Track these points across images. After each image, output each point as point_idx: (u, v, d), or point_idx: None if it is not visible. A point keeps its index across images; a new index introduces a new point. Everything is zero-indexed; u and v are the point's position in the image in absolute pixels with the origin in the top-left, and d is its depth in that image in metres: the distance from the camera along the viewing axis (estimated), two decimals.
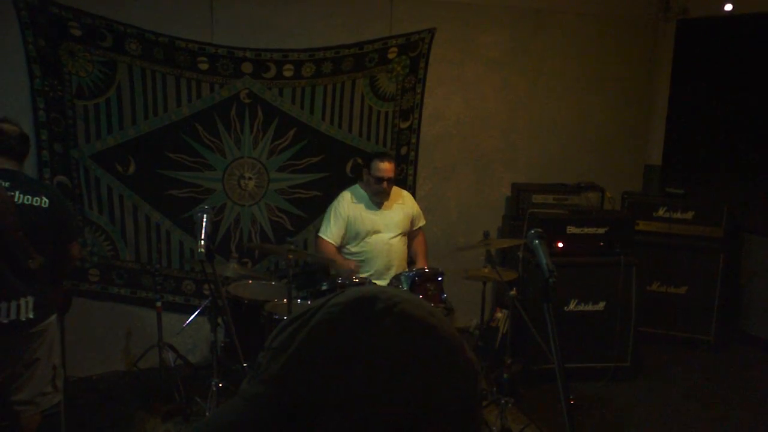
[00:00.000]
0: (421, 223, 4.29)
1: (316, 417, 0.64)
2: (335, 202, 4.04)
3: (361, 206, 4.01)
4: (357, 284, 3.48)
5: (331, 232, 3.98)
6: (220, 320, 3.55)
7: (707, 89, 5.31)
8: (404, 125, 4.78)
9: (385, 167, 3.91)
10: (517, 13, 5.00)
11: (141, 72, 4.06)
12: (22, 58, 3.81)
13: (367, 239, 3.99)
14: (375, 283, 3.74)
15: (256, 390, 0.67)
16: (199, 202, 4.25)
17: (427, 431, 0.65)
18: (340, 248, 4.04)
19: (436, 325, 0.69)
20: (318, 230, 4.15)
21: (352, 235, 4.00)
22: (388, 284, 3.78)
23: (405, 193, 4.28)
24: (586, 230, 4.47)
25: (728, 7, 4.90)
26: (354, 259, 4.01)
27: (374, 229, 4.00)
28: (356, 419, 0.63)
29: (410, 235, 4.22)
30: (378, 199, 4.00)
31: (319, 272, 4.54)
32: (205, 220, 2.74)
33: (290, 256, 3.33)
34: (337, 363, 0.65)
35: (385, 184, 3.92)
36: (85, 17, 3.86)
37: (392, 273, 3.95)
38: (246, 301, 3.68)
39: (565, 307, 4.36)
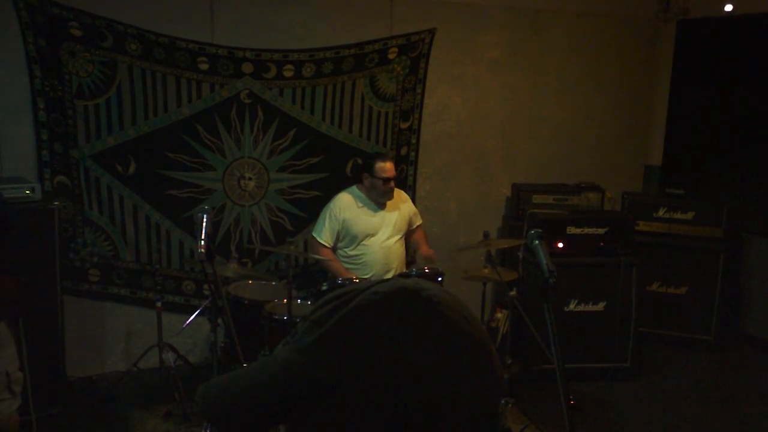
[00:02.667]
0: (419, 221, 4.29)
1: (337, 396, 0.65)
2: (331, 204, 4.02)
3: (359, 209, 4.00)
4: (357, 284, 3.47)
5: (325, 234, 3.97)
6: (220, 320, 3.55)
7: (707, 89, 5.31)
8: (404, 125, 4.78)
9: (389, 167, 3.92)
10: (517, 13, 5.00)
11: (141, 72, 4.06)
12: (22, 58, 3.81)
13: (365, 242, 3.98)
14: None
15: (289, 356, 0.69)
16: (199, 202, 4.25)
17: (432, 429, 0.65)
18: (334, 249, 4.03)
19: (468, 331, 0.70)
20: (312, 229, 4.14)
21: (348, 237, 3.99)
22: None
23: (402, 192, 4.27)
24: (586, 230, 4.47)
25: (728, 7, 4.90)
26: (352, 261, 4.00)
27: (372, 231, 3.99)
28: (374, 406, 0.64)
29: (408, 232, 4.22)
30: (384, 199, 3.99)
31: (319, 272, 4.54)
32: (205, 220, 2.74)
33: (293, 251, 3.32)
34: (366, 349, 0.66)
35: (391, 183, 3.94)
36: (85, 17, 3.85)
37: (391, 275, 3.94)
38: (246, 301, 3.68)
39: (565, 307, 4.36)
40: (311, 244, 4.11)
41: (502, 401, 3.56)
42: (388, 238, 4.02)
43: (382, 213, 4.03)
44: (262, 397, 0.68)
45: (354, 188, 4.08)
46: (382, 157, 3.98)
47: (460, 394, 0.67)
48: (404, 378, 0.65)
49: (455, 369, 0.67)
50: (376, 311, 0.68)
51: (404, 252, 4.19)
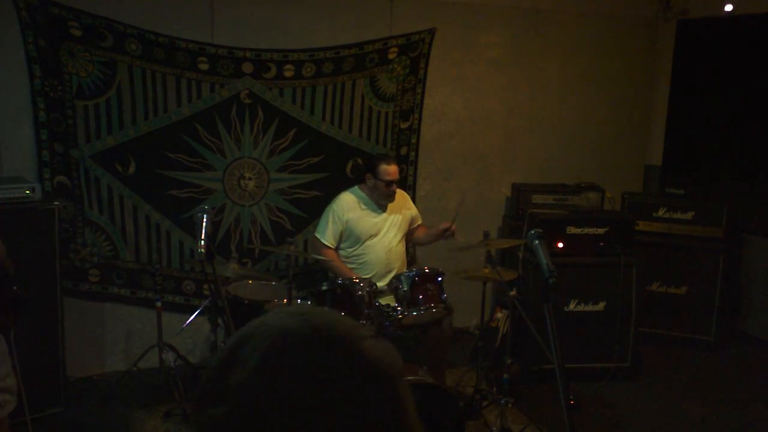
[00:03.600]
0: (419, 221, 4.29)
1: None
2: (334, 204, 4.02)
3: (361, 209, 3.99)
4: (357, 284, 3.47)
5: (328, 235, 3.97)
6: (220, 320, 3.55)
7: (707, 89, 5.31)
8: (404, 125, 4.78)
9: (393, 170, 3.90)
10: (517, 13, 5.00)
11: (141, 72, 4.06)
12: (22, 58, 3.81)
13: (367, 242, 3.98)
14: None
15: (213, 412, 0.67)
16: (199, 202, 4.25)
17: None
18: (336, 249, 4.03)
19: (317, 343, 0.69)
20: (315, 230, 4.14)
21: (351, 238, 3.98)
22: (388, 284, 3.78)
23: (402, 193, 4.27)
24: (586, 230, 4.47)
25: (728, 7, 4.90)
26: (354, 261, 4.00)
27: (374, 232, 3.98)
28: None
29: (409, 232, 4.22)
30: (387, 201, 3.99)
31: (319, 272, 4.54)
32: (205, 220, 2.74)
33: (293, 251, 3.32)
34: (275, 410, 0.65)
35: (394, 186, 3.93)
36: (85, 17, 3.86)
37: (392, 275, 3.94)
38: (246, 301, 3.68)
39: (565, 307, 4.36)
40: (314, 244, 4.11)
41: (501, 400, 3.56)
42: (390, 239, 4.02)
43: (384, 214, 4.03)
44: None
45: (356, 188, 4.07)
46: (387, 159, 3.96)
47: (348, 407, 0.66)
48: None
49: (333, 389, 0.66)
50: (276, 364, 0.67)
51: (405, 252, 4.20)
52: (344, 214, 3.95)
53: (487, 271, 3.78)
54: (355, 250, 4.00)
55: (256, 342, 0.68)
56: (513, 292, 3.73)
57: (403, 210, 4.13)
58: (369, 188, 3.98)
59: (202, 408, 0.68)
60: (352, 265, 3.99)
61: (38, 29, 3.80)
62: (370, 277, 3.85)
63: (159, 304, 3.93)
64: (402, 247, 4.14)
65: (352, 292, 3.43)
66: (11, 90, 3.85)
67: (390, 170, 3.89)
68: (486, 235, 3.74)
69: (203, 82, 4.18)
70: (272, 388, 0.65)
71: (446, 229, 3.96)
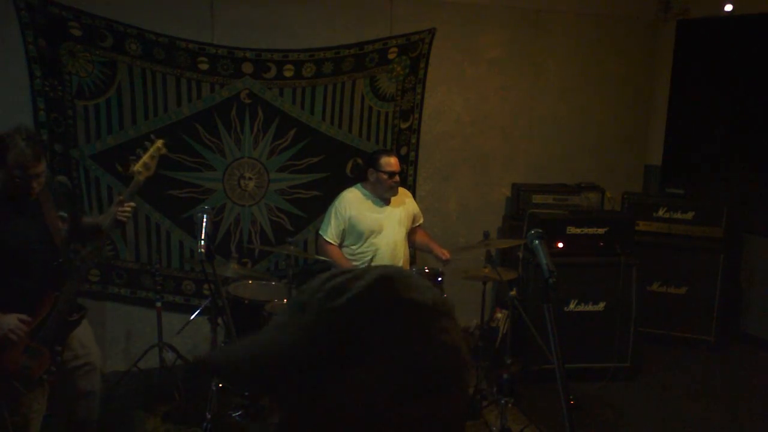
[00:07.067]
0: (421, 221, 4.30)
1: (349, 373, 0.65)
2: (336, 202, 4.04)
3: (364, 206, 4.01)
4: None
5: (331, 232, 3.98)
6: (220, 320, 3.54)
7: (707, 89, 5.31)
8: (404, 125, 4.78)
9: (394, 161, 3.95)
10: (517, 13, 5.00)
11: (141, 72, 4.06)
12: (22, 58, 3.81)
13: (372, 239, 3.99)
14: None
15: (309, 320, 0.68)
16: (199, 202, 4.25)
17: (415, 403, 0.66)
18: (340, 247, 4.04)
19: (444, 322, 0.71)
20: (318, 228, 4.15)
21: (355, 235, 3.99)
22: None
23: (405, 191, 4.29)
24: (586, 230, 4.46)
25: (728, 7, 4.90)
26: (359, 258, 4.00)
27: (377, 228, 3.99)
28: (385, 386, 0.65)
29: (410, 231, 4.22)
30: (390, 194, 4.01)
31: (319, 272, 4.53)
32: (205, 220, 2.74)
33: (293, 251, 3.32)
34: (384, 319, 0.67)
35: (397, 177, 3.96)
36: (85, 17, 3.86)
37: None
38: (246, 301, 3.68)
39: (565, 307, 4.36)
40: (318, 242, 4.12)
41: (501, 400, 3.57)
42: (393, 235, 4.02)
43: (387, 209, 4.03)
44: (285, 354, 0.67)
45: (358, 185, 4.09)
46: (387, 152, 4.02)
47: (431, 368, 0.68)
48: (408, 350, 0.66)
49: (426, 346, 0.68)
50: (395, 285, 0.69)
51: (408, 249, 4.20)
52: (346, 211, 3.97)
53: (487, 271, 3.78)
54: (359, 248, 4.00)
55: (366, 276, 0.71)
56: (513, 292, 3.73)
57: (406, 205, 4.14)
58: (371, 183, 4.00)
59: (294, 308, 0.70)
60: (358, 263, 3.99)
61: (38, 29, 3.80)
62: None
63: (159, 304, 3.93)
64: (406, 244, 4.14)
65: None
66: (11, 90, 3.85)
67: (391, 161, 3.92)
68: (486, 235, 3.74)
69: (203, 82, 4.18)
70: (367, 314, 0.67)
71: (446, 260, 4.01)
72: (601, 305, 4.40)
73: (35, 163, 2.63)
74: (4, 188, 2.67)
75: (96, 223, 2.98)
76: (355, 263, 3.98)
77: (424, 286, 0.72)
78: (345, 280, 0.70)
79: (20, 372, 2.66)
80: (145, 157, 2.95)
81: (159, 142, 3.04)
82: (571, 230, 4.45)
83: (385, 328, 0.66)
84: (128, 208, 2.82)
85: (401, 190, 4.19)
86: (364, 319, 0.67)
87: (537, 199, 4.93)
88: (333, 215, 4.00)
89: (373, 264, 3.97)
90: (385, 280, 0.70)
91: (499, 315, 4.73)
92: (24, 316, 2.65)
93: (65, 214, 2.89)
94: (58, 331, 2.75)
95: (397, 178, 3.97)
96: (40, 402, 2.79)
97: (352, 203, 3.99)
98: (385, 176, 3.91)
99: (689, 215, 4.97)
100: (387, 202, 4.03)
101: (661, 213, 5.03)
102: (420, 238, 4.29)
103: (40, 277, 2.73)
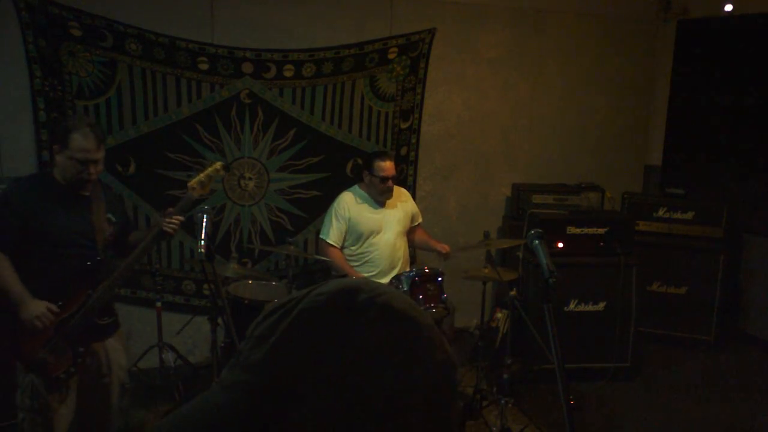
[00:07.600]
0: (420, 220, 4.30)
1: (295, 403, 0.64)
2: (335, 204, 4.03)
3: (362, 207, 4.01)
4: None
5: (333, 234, 3.98)
6: (220, 320, 3.54)
7: (707, 89, 5.32)
8: (404, 125, 4.78)
9: (388, 166, 3.92)
10: (517, 13, 5.01)
11: (141, 72, 4.06)
12: (22, 58, 3.81)
13: (371, 240, 3.99)
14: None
15: (236, 377, 0.67)
16: (199, 202, 4.25)
17: (400, 419, 0.65)
18: (341, 249, 4.03)
19: (416, 317, 0.70)
20: (319, 231, 4.15)
21: (354, 236, 3.99)
22: (389, 284, 3.78)
23: (403, 190, 4.28)
24: (586, 230, 4.46)
25: (728, 7, 4.91)
26: (359, 259, 4.00)
27: (377, 229, 3.99)
28: (334, 406, 0.64)
29: (409, 231, 4.22)
30: (383, 198, 4.01)
31: (319, 272, 4.54)
32: (205, 220, 2.75)
33: (293, 251, 3.32)
34: (318, 351, 0.65)
35: (390, 182, 3.94)
36: (85, 17, 3.86)
37: (396, 272, 3.95)
38: (246, 301, 3.68)
39: (565, 307, 4.36)
40: (319, 246, 4.11)
41: (501, 400, 3.57)
42: (392, 235, 4.02)
43: (384, 210, 4.03)
44: (220, 429, 0.65)
45: (356, 187, 4.09)
46: (383, 155, 3.98)
47: (416, 381, 0.66)
48: (360, 372, 0.64)
49: (406, 359, 0.67)
50: (322, 313, 0.68)
51: (407, 249, 4.20)
52: (346, 212, 3.97)
53: (487, 271, 3.78)
54: (359, 248, 4.00)
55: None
56: (513, 292, 3.73)
57: (403, 206, 4.14)
58: (367, 185, 4.01)
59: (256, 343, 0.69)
60: (357, 263, 4.00)
61: (38, 29, 3.80)
62: (374, 275, 3.86)
63: (159, 304, 3.93)
64: (405, 244, 4.15)
65: None
66: (11, 90, 3.85)
67: (384, 166, 3.90)
68: (486, 235, 3.74)
69: (203, 82, 4.18)
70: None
71: (446, 254, 4.02)
72: (601, 305, 4.40)
73: (96, 148, 2.68)
74: (63, 171, 2.70)
75: (138, 241, 2.94)
76: (355, 264, 3.98)
77: (358, 305, 0.68)
78: (272, 323, 0.68)
79: (37, 363, 2.65)
80: (202, 176, 2.95)
81: (218, 164, 3.05)
82: (571, 230, 4.45)
83: (318, 362, 0.65)
84: (176, 221, 2.80)
85: (400, 189, 4.19)
86: (291, 360, 0.65)
87: (537, 199, 4.93)
88: (333, 217, 3.99)
89: (368, 263, 3.98)
90: (308, 312, 0.68)
91: (499, 315, 4.74)
92: (53, 306, 2.64)
93: (114, 218, 2.89)
94: (84, 331, 2.72)
95: (391, 183, 3.95)
96: (68, 406, 2.77)
97: (351, 205, 4.00)
98: (377, 180, 3.91)
99: (689, 215, 4.97)
100: (383, 202, 4.04)
101: (661, 213, 5.03)
102: (419, 236, 4.29)
103: (76, 271, 2.72)
